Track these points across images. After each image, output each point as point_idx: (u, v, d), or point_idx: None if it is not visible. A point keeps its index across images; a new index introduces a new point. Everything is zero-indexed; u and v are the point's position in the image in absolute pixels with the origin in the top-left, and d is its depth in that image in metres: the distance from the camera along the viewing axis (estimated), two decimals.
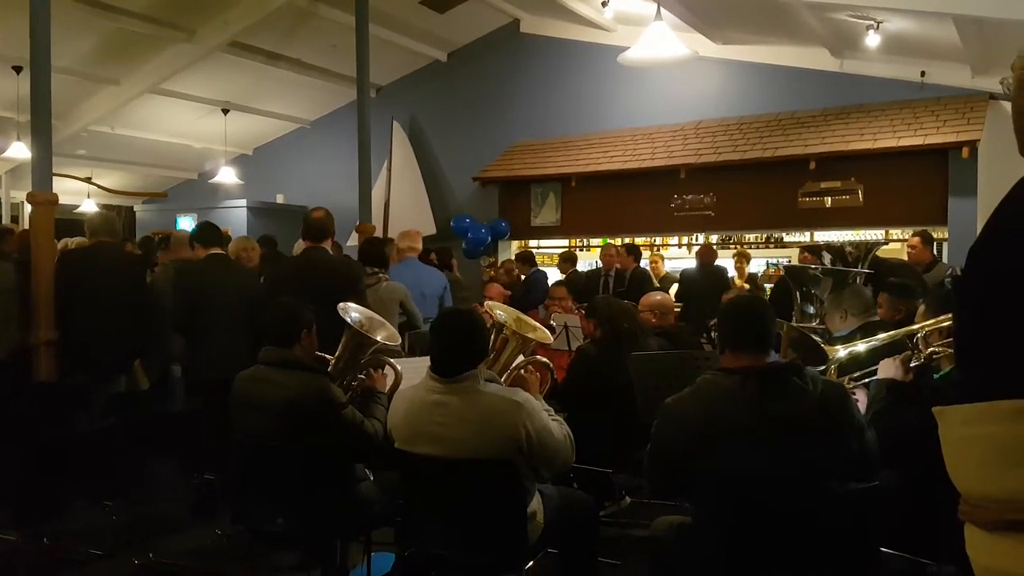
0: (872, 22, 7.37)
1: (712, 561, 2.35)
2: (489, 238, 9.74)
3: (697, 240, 9.37)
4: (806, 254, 6.28)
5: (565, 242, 10.35)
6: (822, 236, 8.86)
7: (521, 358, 2.96)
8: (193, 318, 4.53)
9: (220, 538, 4.02)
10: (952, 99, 8.12)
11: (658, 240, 9.94)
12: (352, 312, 3.23)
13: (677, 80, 9.42)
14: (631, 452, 4.19)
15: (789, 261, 9.31)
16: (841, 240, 7.68)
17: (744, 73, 9.35)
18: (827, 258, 4.50)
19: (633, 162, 9.10)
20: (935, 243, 7.24)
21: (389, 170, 10.80)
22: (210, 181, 12.45)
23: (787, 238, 9.36)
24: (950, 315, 2.81)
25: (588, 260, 11.12)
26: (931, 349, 2.86)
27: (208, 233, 4.84)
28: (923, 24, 7.21)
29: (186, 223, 12.64)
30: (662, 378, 3.20)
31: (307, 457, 2.86)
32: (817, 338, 2.99)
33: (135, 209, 13.21)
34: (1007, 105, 5.86)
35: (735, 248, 9.03)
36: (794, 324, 3.50)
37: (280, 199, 12.77)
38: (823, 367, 2.76)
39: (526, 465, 2.61)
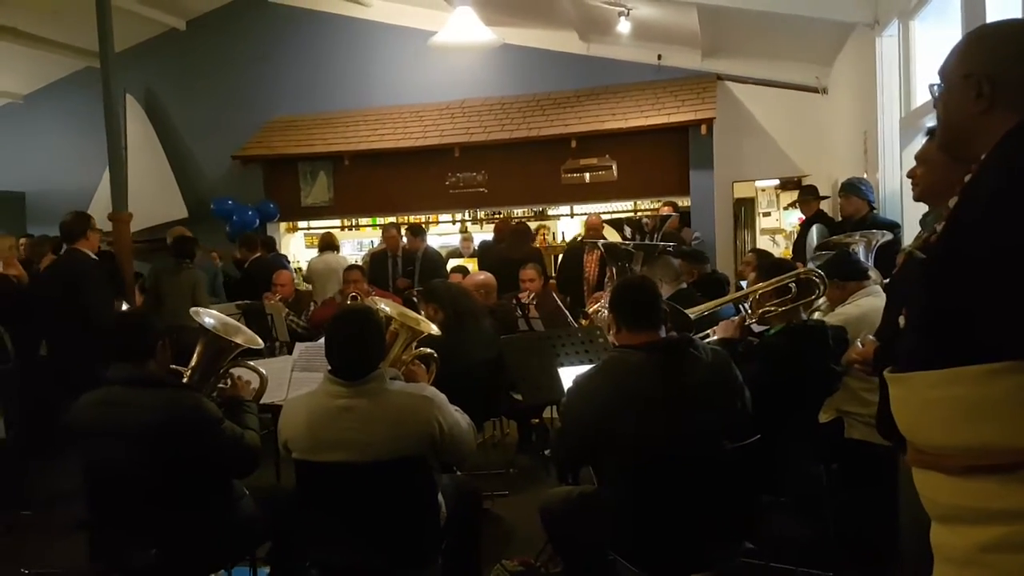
0: (623, 8, 8.02)
1: (627, 522, 2.52)
2: (257, 221, 9.15)
3: (476, 216, 9.68)
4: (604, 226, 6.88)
5: (337, 222, 10.07)
6: (581, 209, 9.58)
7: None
8: None
9: None
10: (686, 80, 9.09)
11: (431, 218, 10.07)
12: (206, 317, 2.94)
13: (438, 59, 9.48)
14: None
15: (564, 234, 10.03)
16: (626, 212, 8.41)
17: (501, 54, 9.62)
18: (628, 230, 4.90)
19: (407, 140, 9.07)
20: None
21: (125, 148, 9.71)
22: None
23: (551, 211, 9.95)
24: (779, 279, 3.26)
25: (355, 239, 10.96)
26: (762, 309, 3.28)
27: None
28: (667, 11, 7.99)
29: None
30: (539, 357, 3.31)
31: (183, 480, 2.58)
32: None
33: None
34: (732, 86, 6.87)
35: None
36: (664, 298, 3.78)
37: None
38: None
39: (435, 459, 2.59)
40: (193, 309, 2.91)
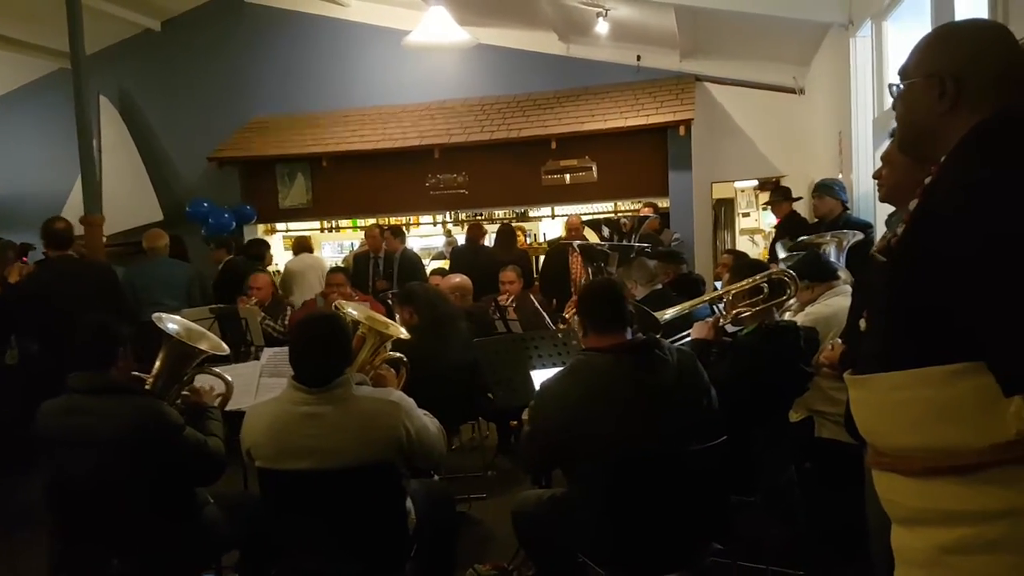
0: (602, 9, 8.01)
1: (596, 524, 2.50)
2: (234, 223, 9.06)
3: (457, 218, 9.65)
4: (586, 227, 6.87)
5: (316, 224, 10.02)
6: (562, 210, 9.55)
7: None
8: None
9: None
10: (664, 81, 9.08)
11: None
12: (169, 323, 2.89)
13: (417, 59, 9.43)
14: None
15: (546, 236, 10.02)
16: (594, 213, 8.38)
17: (480, 55, 9.58)
18: (606, 230, 4.89)
19: (386, 141, 9.02)
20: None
21: (99, 151, 9.62)
22: None
23: (532, 213, 9.93)
24: (751, 279, 3.25)
25: (335, 241, 10.90)
26: (736, 310, 3.27)
27: None
28: (645, 12, 7.99)
29: None
30: (513, 359, 3.29)
31: (147, 488, 2.54)
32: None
33: None
34: (711, 87, 6.88)
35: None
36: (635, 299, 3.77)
37: None
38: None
39: (403, 464, 2.56)
40: (156, 315, 2.86)
